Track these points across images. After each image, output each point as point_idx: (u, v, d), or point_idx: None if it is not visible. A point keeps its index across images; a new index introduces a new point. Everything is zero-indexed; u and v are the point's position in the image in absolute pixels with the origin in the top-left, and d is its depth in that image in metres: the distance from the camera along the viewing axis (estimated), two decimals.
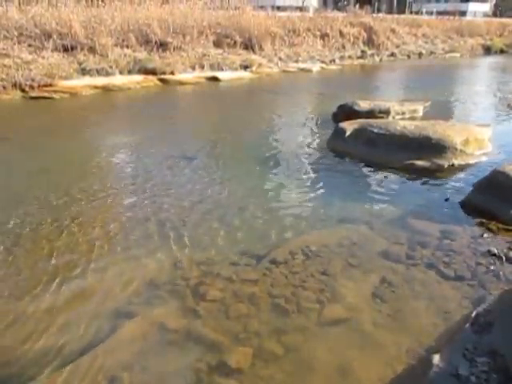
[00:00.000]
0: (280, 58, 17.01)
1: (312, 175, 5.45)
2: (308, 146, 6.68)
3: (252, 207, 4.49)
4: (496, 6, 65.07)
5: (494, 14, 55.71)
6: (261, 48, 16.76)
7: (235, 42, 16.34)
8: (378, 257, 3.58)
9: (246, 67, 15.22)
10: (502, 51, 27.27)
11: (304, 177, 5.39)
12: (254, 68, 15.29)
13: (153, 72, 12.77)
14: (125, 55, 13.04)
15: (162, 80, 12.68)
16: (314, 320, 2.89)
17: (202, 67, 14.19)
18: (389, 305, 3.01)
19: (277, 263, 3.47)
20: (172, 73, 13.08)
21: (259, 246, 3.73)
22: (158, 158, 6.06)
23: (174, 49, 14.33)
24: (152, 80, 12.55)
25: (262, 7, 22.19)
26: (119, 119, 8.86)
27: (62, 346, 2.65)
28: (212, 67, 14.38)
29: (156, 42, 14.19)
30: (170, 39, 14.50)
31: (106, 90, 11.24)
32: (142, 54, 13.48)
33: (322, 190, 4.98)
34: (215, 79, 13.54)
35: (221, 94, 12.21)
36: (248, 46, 16.69)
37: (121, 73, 12.35)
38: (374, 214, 4.35)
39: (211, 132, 7.86)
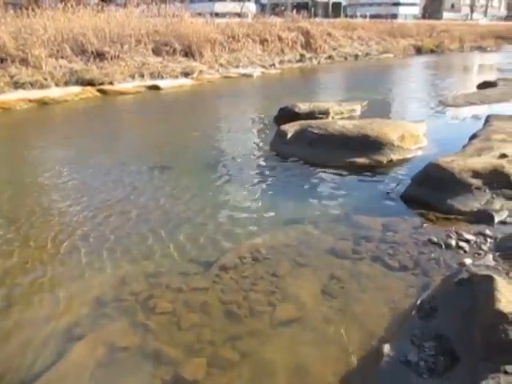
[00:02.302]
0: (221, 64, 17.05)
1: (257, 179, 5.48)
2: (252, 150, 6.72)
3: (199, 215, 4.44)
4: (424, 8, 69.02)
5: (423, 17, 59.04)
6: (201, 55, 16.72)
7: (175, 50, 16.20)
8: (326, 254, 3.64)
9: (186, 74, 15.12)
10: (432, 51, 28.93)
11: (249, 181, 5.41)
12: (195, 75, 15.22)
13: (91, 83, 12.39)
14: (60, 66, 12.55)
15: (100, 91, 12.33)
16: (267, 322, 2.89)
17: (142, 76, 13.95)
18: (338, 300, 3.07)
19: (226, 269, 3.45)
20: (111, 83, 12.75)
21: (208, 253, 3.70)
22: (101, 171, 5.86)
23: (111, 58, 13.97)
24: (90, 91, 12.16)
25: (200, 14, 22.16)
26: (57, 133, 8.50)
27: (5, 378, 2.48)
28: (152, 76, 14.16)
29: (93, 52, 13.76)
30: (107, 48, 14.13)
31: (41, 103, 10.76)
32: (78, 65, 13.03)
33: (267, 193, 5.01)
34: (156, 88, 13.35)
35: (162, 103, 12.04)
36: (188, 53, 16.60)
37: (57, 85, 11.87)
38: (320, 212, 4.43)
39: (155, 141, 7.71)
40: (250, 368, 2.55)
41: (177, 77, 14.77)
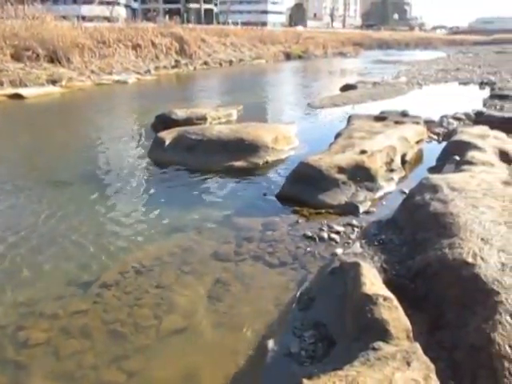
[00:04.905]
0: (92, 71, 16.21)
1: (136, 189, 5.30)
2: (130, 160, 6.49)
3: (75, 232, 4.16)
4: (290, 17, 73.69)
5: (290, 24, 62.93)
6: (69, 61, 15.72)
7: (38, 55, 15.00)
8: (210, 259, 3.67)
9: (54, 82, 14.06)
10: (299, 57, 30.96)
11: (128, 192, 5.21)
12: (63, 82, 14.23)
13: None
14: None
15: None
16: (154, 336, 2.82)
17: (1, 84, 12.64)
18: (224, 303, 3.11)
19: (107, 287, 3.28)
20: None
21: (87, 273, 3.48)
22: None
23: None
24: None
25: (64, 17, 20.79)
26: None
27: None
28: (13, 83, 12.93)
29: None
30: None
31: None
32: None
33: (147, 203, 4.88)
34: (19, 97, 12.18)
35: (28, 114, 11.01)
36: (54, 58, 15.49)
37: None
38: (202, 218, 4.45)
39: (23, 156, 7.01)
40: None
41: (43, 84, 13.67)
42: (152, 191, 5.24)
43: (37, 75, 13.93)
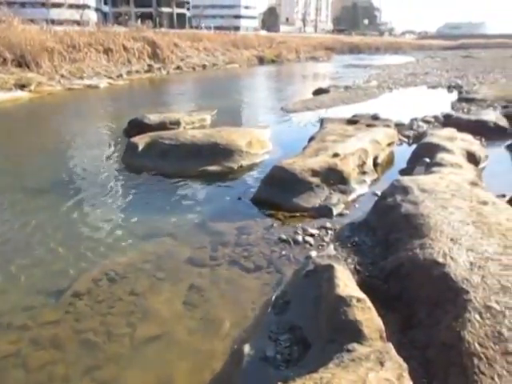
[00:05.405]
0: (62, 75, 15.89)
1: (108, 195, 5.21)
2: (103, 166, 6.37)
3: (45, 240, 4.05)
4: (263, 22, 74.36)
5: (263, 29, 63.43)
6: (38, 65, 15.35)
7: (5, 60, 14.61)
8: (185, 265, 3.64)
9: (22, 87, 13.70)
10: (273, 61, 31.17)
11: (100, 198, 5.11)
12: (32, 87, 13.88)
13: None
14: None
15: None
16: (128, 345, 2.77)
17: None
18: (199, 309, 3.09)
19: (79, 295, 3.21)
20: None
21: (58, 282, 3.39)
22: None
23: None
24: None
25: (32, 21, 20.30)
26: None
27: None
28: None
29: None
30: None
31: None
32: None
33: (120, 209, 4.81)
34: None
35: None
36: (22, 63, 15.10)
37: None
38: (176, 223, 4.41)
39: None
40: None
41: (10, 89, 13.30)
42: (125, 197, 5.16)
43: (4, 80, 13.55)
